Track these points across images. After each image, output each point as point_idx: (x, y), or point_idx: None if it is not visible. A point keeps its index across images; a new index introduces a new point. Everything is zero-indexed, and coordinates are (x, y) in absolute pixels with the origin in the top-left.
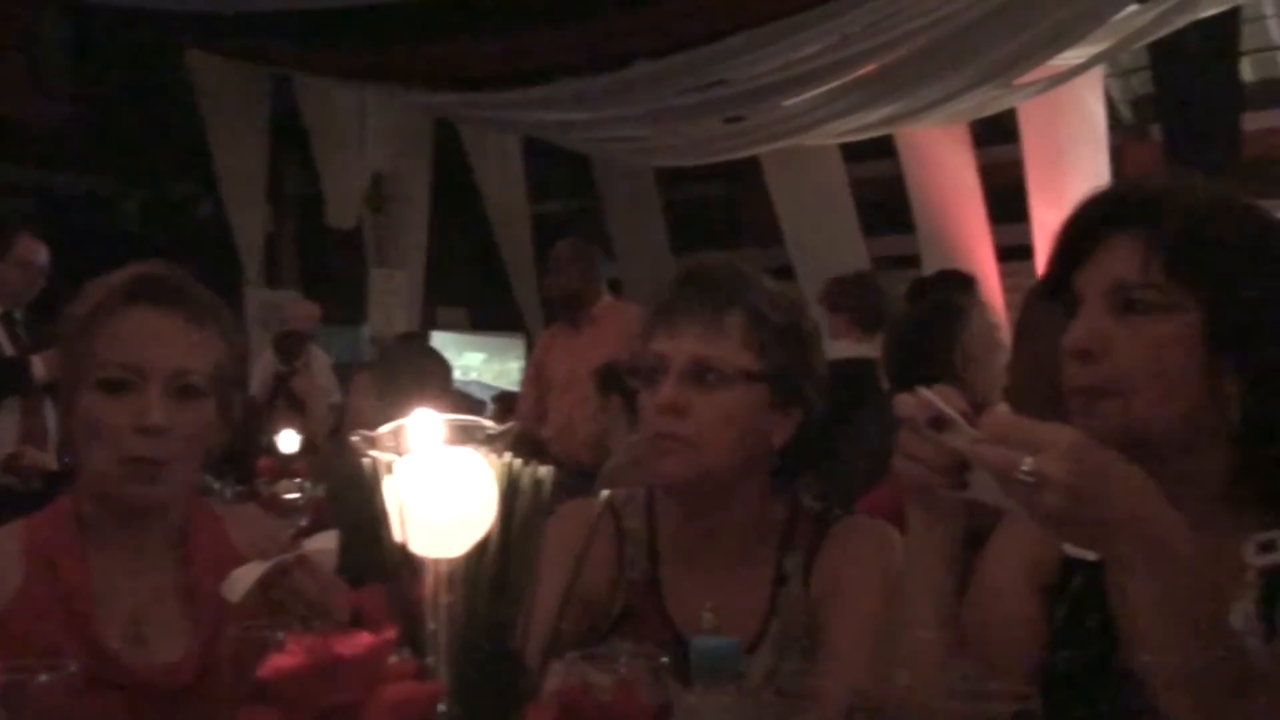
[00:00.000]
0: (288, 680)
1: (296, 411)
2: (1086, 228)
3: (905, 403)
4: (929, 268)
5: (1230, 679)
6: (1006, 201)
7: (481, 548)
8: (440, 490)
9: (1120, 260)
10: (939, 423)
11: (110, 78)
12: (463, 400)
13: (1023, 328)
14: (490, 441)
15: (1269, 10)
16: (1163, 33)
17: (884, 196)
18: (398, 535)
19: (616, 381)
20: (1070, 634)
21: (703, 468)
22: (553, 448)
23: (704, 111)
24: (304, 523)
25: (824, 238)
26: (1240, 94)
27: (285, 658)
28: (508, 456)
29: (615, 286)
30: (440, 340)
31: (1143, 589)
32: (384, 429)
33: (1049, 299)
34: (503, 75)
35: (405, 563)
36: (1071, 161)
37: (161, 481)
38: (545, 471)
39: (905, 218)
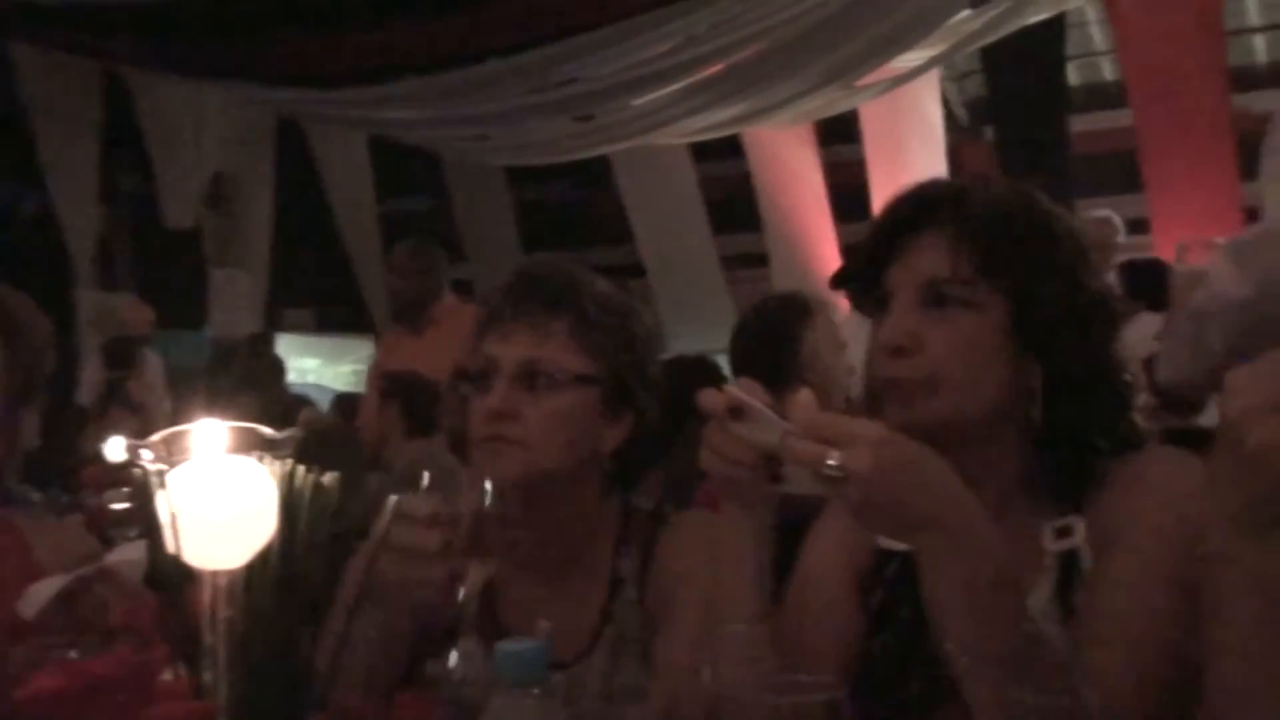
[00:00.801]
0: (46, 703)
1: (134, 416)
2: (897, 226)
3: (709, 398)
4: (777, 265)
5: (1028, 663)
6: (850, 200)
7: (263, 558)
8: (215, 499)
9: (930, 257)
10: (745, 416)
11: None
12: (298, 404)
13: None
14: (272, 448)
15: (1092, 16)
16: (994, 37)
17: (732, 195)
18: (170, 546)
19: (398, 389)
20: (884, 622)
21: (535, 467)
22: None
23: (554, 110)
24: (134, 534)
25: (674, 236)
26: (1066, 96)
27: (45, 679)
28: (289, 463)
29: (467, 287)
30: (285, 343)
31: (945, 578)
32: (155, 437)
33: (861, 296)
34: (348, 72)
35: (179, 575)
36: (911, 161)
37: None
38: (330, 478)
39: (753, 216)
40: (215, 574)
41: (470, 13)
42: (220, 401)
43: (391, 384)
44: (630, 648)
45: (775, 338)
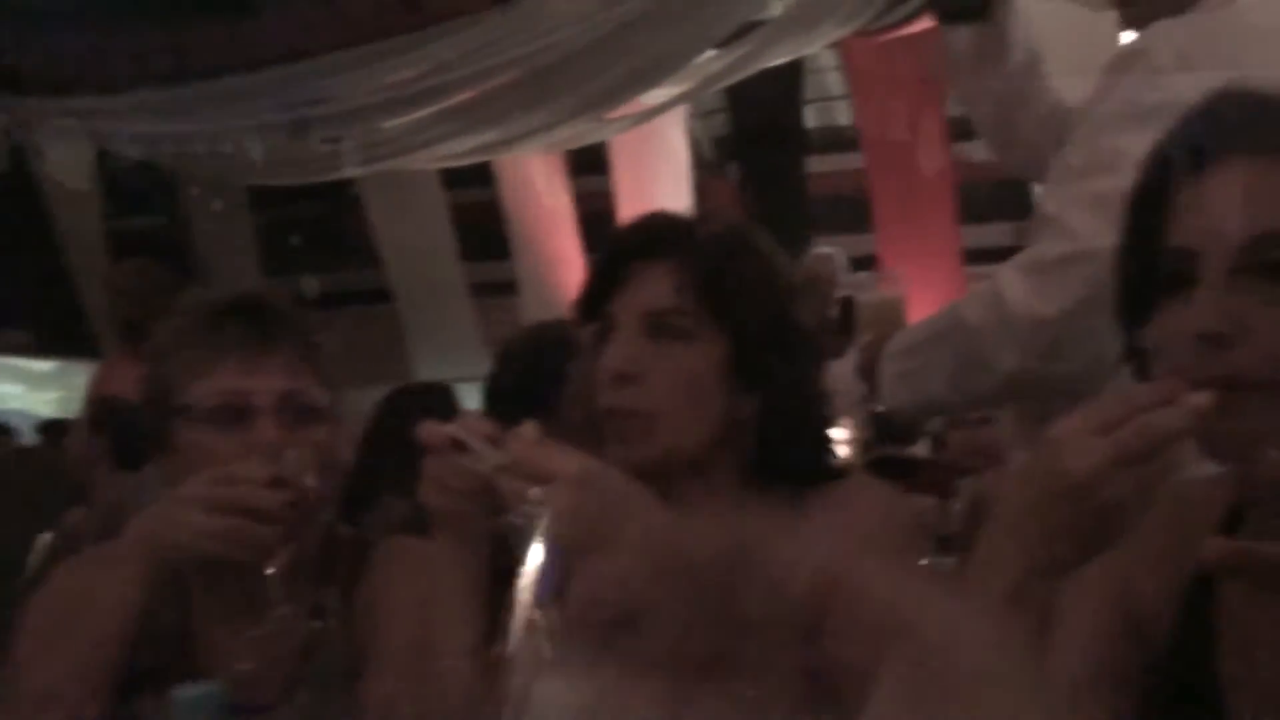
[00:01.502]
0: None
1: None
2: (623, 255)
3: (427, 430)
4: (526, 294)
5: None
6: (600, 231)
7: None
8: None
9: (654, 287)
10: (465, 448)
11: None
12: None
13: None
14: None
15: (828, 63)
16: (737, 78)
17: (483, 222)
18: None
19: (109, 417)
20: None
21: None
22: None
23: (299, 130)
24: None
25: (423, 262)
26: (804, 138)
27: None
28: None
29: None
30: None
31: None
32: None
33: (584, 323)
34: (74, 79)
35: None
36: (658, 193)
37: None
38: None
39: (504, 244)
40: None
41: (213, 25)
42: None
43: (102, 412)
44: (336, 684)
45: (537, 371)
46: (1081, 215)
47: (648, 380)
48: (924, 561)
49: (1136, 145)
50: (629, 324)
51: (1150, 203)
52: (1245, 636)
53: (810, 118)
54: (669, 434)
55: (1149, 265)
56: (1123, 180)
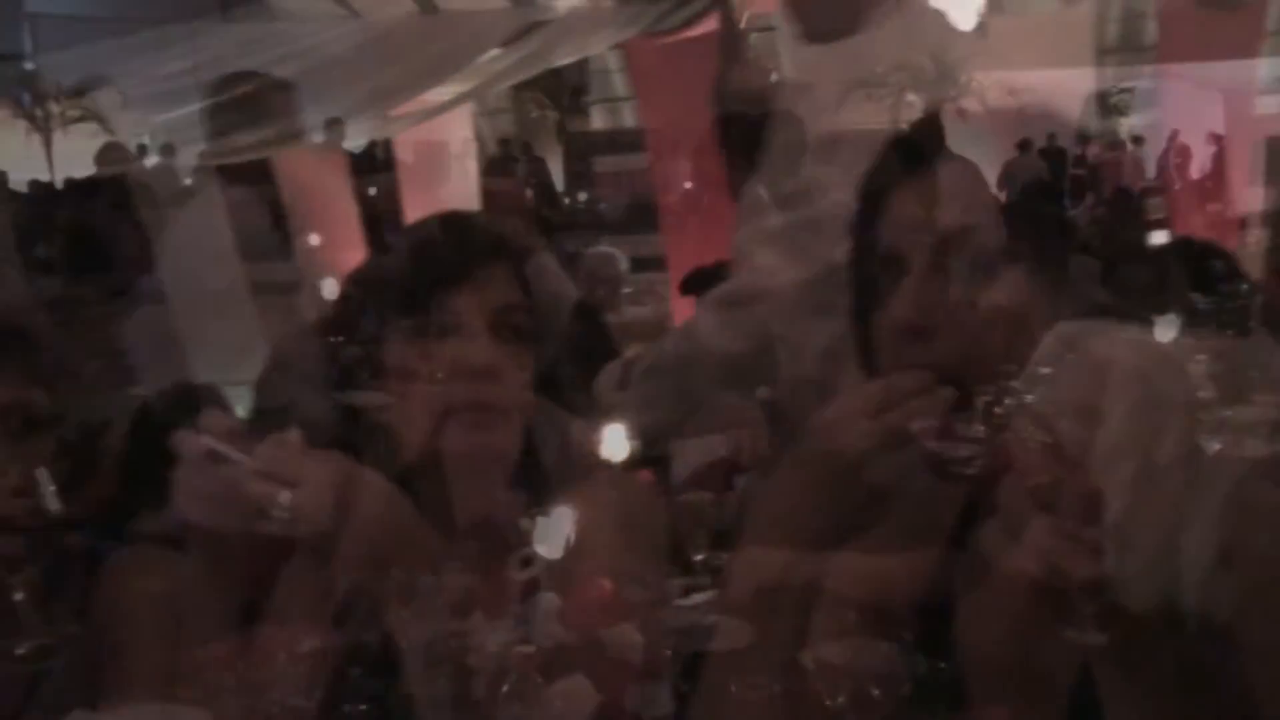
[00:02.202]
0: None
1: None
2: (460, 254)
3: (182, 439)
4: (308, 294)
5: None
6: (382, 229)
7: None
8: None
9: (500, 287)
10: (220, 458)
11: None
12: None
13: None
14: None
15: (614, 64)
16: (522, 77)
17: (263, 221)
18: None
19: None
20: (354, 659)
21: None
22: None
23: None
24: None
25: (200, 263)
26: (591, 138)
27: None
28: None
29: None
30: None
31: (399, 619)
32: None
33: (400, 315)
34: None
35: None
36: (445, 192)
37: None
38: None
39: (286, 243)
40: None
41: None
42: None
43: None
44: (70, 702)
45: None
46: (763, 251)
47: (504, 377)
48: (699, 556)
49: (814, 179)
50: (477, 323)
51: (867, 215)
52: (981, 618)
53: (597, 118)
54: (513, 430)
55: (869, 270)
56: (797, 216)
